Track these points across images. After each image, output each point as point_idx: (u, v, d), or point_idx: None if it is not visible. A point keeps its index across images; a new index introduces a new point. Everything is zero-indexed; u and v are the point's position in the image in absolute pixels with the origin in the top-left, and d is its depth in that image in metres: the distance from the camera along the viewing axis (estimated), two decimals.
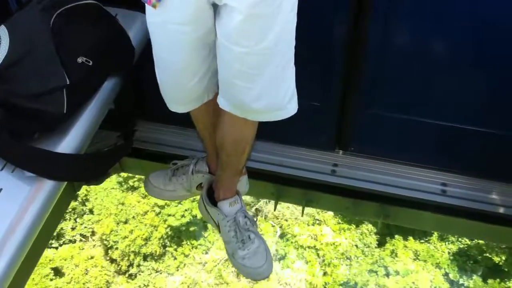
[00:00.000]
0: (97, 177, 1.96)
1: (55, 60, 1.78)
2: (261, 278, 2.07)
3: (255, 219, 2.09)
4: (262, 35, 1.47)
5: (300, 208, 2.74)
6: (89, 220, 14.81)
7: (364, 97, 2.25)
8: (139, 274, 14.32)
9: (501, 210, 2.28)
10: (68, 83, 1.77)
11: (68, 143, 1.79)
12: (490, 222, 2.32)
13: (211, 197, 2.07)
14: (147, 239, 14.38)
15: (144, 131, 2.44)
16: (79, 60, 1.84)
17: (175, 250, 14.58)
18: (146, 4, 1.53)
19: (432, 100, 2.21)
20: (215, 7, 1.51)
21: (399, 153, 2.41)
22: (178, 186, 2.19)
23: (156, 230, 14.40)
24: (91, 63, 1.86)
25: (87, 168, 1.86)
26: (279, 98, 1.64)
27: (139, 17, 2.17)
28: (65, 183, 1.77)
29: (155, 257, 14.46)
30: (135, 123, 2.23)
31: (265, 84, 1.59)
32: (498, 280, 13.07)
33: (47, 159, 1.73)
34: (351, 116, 2.34)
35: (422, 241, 14.02)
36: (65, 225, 14.47)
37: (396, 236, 14.00)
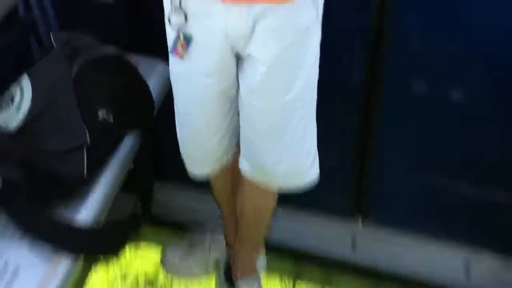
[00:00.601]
0: (117, 251, 1.79)
1: (76, 116, 1.67)
2: None
3: None
4: (285, 88, 1.45)
5: None
6: None
7: (382, 159, 2.17)
8: None
9: None
10: (88, 141, 1.65)
11: (87, 210, 1.63)
12: None
13: (228, 274, 1.99)
14: None
15: (162, 194, 2.29)
16: (100, 115, 1.72)
17: None
18: (170, 55, 1.52)
19: (459, 166, 2.11)
20: (239, 58, 1.47)
21: (423, 223, 2.28)
22: (194, 263, 2.10)
23: None
24: (112, 120, 1.74)
25: (107, 241, 1.71)
26: (302, 160, 1.60)
27: (160, 65, 2.07)
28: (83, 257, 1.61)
29: None
30: (154, 184, 2.09)
31: (287, 143, 1.55)
32: None
33: (66, 232, 1.58)
34: (369, 179, 2.24)
35: None
36: None
37: None
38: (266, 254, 2.08)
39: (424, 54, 1.92)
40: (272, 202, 1.79)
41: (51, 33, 1.85)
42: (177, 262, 2.11)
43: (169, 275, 2.32)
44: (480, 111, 1.98)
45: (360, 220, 2.34)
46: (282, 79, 1.44)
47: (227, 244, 2.06)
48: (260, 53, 1.39)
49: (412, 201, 2.26)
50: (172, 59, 1.53)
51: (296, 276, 2.41)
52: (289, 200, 2.22)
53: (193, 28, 1.40)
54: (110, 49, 1.88)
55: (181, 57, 1.45)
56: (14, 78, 1.68)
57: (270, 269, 2.15)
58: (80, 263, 1.60)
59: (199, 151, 1.73)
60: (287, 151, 1.56)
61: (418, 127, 2.07)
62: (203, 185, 1.97)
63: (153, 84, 1.99)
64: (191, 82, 1.54)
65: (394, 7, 1.86)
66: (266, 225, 1.89)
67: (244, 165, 1.65)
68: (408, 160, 2.16)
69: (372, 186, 2.26)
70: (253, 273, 1.97)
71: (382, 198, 2.28)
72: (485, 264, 2.23)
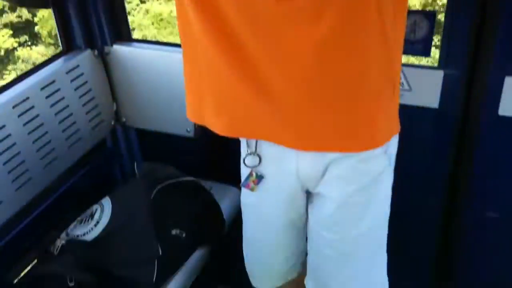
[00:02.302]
0: None
1: (151, 234, 1.83)
2: None
3: None
4: (355, 223, 1.46)
5: None
6: None
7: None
8: None
9: None
10: (160, 254, 1.80)
11: None
12: None
13: None
14: None
15: None
16: (173, 232, 1.90)
17: None
18: (242, 187, 1.58)
19: None
20: (308, 194, 1.53)
21: None
22: None
23: None
24: (184, 235, 1.91)
25: None
26: (369, 285, 1.59)
27: (232, 190, 2.27)
28: None
29: None
30: None
31: (354, 270, 1.55)
32: None
33: None
34: None
35: None
36: None
37: None
38: None
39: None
40: None
41: (135, 163, 2.11)
42: None
43: None
44: None
45: None
46: (352, 214, 1.45)
47: None
48: (331, 192, 1.42)
49: None
50: (243, 191, 1.61)
51: None
52: None
53: (266, 169, 1.46)
54: (188, 177, 2.07)
55: (252, 190, 1.53)
56: (96, 198, 1.92)
57: None
58: None
59: (265, 271, 1.77)
60: (354, 278, 1.56)
61: (498, 249, 2.06)
62: None
63: (225, 206, 2.16)
64: (261, 212, 1.61)
65: None
66: None
67: (310, 286, 1.66)
68: (490, 282, 2.13)
69: None
70: None
71: None
72: None
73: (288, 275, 1.76)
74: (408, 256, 2.12)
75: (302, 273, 1.73)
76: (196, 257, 1.99)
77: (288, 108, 1.26)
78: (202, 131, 1.62)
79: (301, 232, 1.64)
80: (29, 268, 1.88)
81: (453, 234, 2.09)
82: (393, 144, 1.44)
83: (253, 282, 1.81)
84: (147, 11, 16.37)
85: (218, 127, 1.39)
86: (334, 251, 1.52)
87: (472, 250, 2.08)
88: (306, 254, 1.66)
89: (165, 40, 11.92)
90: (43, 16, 15.83)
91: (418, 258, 2.16)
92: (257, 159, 1.45)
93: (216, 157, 2.36)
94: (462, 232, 2.07)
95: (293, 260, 1.71)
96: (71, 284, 1.71)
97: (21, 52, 16.18)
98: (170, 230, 1.90)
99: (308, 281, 1.66)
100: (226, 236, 2.12)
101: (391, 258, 1.59)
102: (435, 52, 2.23)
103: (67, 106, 2.05)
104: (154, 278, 1.80)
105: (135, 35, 14.28)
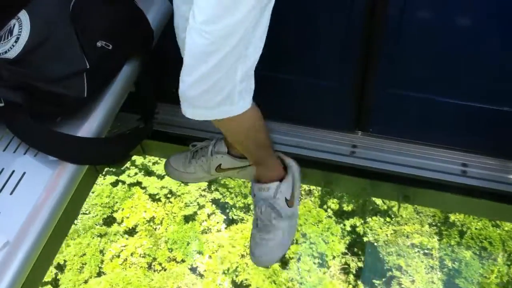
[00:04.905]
0: (118, 160, 1.98)
1: (74, 45, 1.78)
2: (258, 265, 2.16)
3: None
4: None
5: None
6: None
7: (383, 77, 2.23)
8: None
9: None
10: (88, 67, 1.78)
11: (89, 127, 1.81)
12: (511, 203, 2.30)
13: None
14: None
15: (165, 113, 2.46)
16: (99, 44, 1.84)
17: None
18: None
19: (451, 78, 2.18)
20: None
21: (419, 134, 2.40)
22: (197, 168, 2.21)
23: None
24: (110, 47, 1.86)
25: (108, 152, 1.88)
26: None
27: None
28: (87, 166, 1.80)
29: None
30: (155, 106, 2.25)
31: None
32: None
33: (69, 143, 1.75)
34: (370, 96, 2.32)
35: None
36: None
37: None
38: None
39: None
40: (235, 127, 1.84)
41: None
42: (181, 168, 2.24)
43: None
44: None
45: (359, 133, 2.45)
46: None
47: (228, 153, 2.15)
48: None
49: (410, 115, 2.36)
50: None
51: None
52: (290, 117, 2.37)
53: None
54: None
55: None
56: (12, 13, 1.78)
57: None
58: (85, 169, 1.78)
59: None
60: None
61: (418, 46, 2.12)
62: None
63: (153, 15, 2.10)
64: None
65: None
66: (252, 145, 1.97)
67: None
68: (406, 77, 2.23)
69: (371, 102, 2.35)
70: (267, 182, 2.04)
71: (380, 112, 2.38)
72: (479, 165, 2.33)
73: None
74: (334, 50, 2.20)
75: None
76: (126, 70, 1.97)
77: None
78: None
79: None
80: None
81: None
82: None
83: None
84: None
85: None
86: None
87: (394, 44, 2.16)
88: None
89: None
90: None
91: (344, 51, 2.21)
92: None
93: None
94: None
95: None
96: (1, 105, 1.68)
97: None
98: (95, 42, 1.84)
99: None
100: (157, 47, 2.09)
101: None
102: None
103: None
104: (86, 93, 1.79)
105: None
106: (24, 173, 1.67)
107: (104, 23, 1.89)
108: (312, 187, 13.95)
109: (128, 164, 14.33)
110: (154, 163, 15.12)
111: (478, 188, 2.30)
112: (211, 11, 1.51)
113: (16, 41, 1.73)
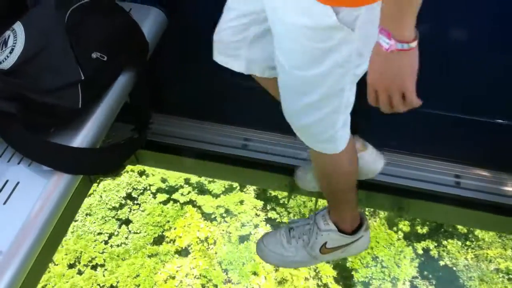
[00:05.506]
0: (112, 170, 1.99)
1: (69, 56, 1.79)
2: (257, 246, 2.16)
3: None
4: None
5: None
6: None
7: None
8: None
9: None
10: (82, 78, 1.79)
11: (83, 137, 1.81)
12: (504, 214, 2.32)
13: None
14: None
15: (159, 124, 2.46)
16: (94, 55, 1.85)
17: None
18: None
19: (444, 91, 2.19)
20: None
21: (413, 146, 2.42)
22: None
23: None
24: (105, 58, 1.87)
25: (102, 162, 1.88)
26: None
27: (152, 11, 2.19)
28: (81, 176, 1.80)
29: None
30: (150, 116, 2.25)
31: None
32: None
33: (63, 153, 1.75)
34: (364, 110, 2.31)
35: None
36: None
37: None
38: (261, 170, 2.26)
39: None
40: (330, 168, 1.88)
41: None
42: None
43: None
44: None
45: None
46: None
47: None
48: None
49: (403, 126, 2.31)
50: None
51: (292, 190, 2.55)
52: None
53: None
54: None
55: None
56: (7, 24, 1.81)
57: (266, 183, 2.24)
58: (79, 179, 1.78)
59: None
60: None
61: None
62: (200, 116, 2.11)
63: (148, 28, 2.11)
64: None
65: None
66: (335, 193, 1.99)
67: None
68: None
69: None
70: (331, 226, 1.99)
71: (374, 124, 2.33)
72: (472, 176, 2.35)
73: None
74: None
75: None
76: (121, 81, 1.98)
77: None
78: None
79: None
80: None
81: None
82: None
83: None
84: None
85: None
86: None
87: None
88: None
89: None
90: None
91: None
92: None
93: None
94: None
95: None
96: None
97: None
98: (90, 53, 1.85)
99: None
100: (152, 59, 2.10)
101: None
102: None
103: None
104: (80, 104, 1.79)
105: None
106: (18, 183, 1.67)
107: (99, 35, 1.90)
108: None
109: (182, 182, 14.13)
110: (210, 182, 14.81)
111: (472, 199, 2.31)
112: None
113: (10, 52, 1.74)
